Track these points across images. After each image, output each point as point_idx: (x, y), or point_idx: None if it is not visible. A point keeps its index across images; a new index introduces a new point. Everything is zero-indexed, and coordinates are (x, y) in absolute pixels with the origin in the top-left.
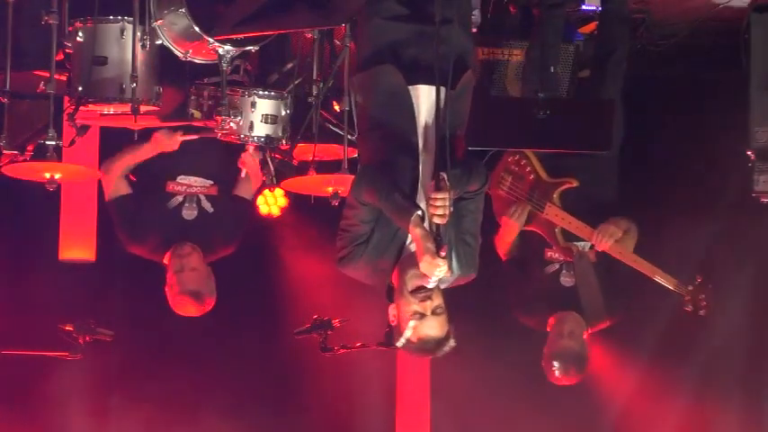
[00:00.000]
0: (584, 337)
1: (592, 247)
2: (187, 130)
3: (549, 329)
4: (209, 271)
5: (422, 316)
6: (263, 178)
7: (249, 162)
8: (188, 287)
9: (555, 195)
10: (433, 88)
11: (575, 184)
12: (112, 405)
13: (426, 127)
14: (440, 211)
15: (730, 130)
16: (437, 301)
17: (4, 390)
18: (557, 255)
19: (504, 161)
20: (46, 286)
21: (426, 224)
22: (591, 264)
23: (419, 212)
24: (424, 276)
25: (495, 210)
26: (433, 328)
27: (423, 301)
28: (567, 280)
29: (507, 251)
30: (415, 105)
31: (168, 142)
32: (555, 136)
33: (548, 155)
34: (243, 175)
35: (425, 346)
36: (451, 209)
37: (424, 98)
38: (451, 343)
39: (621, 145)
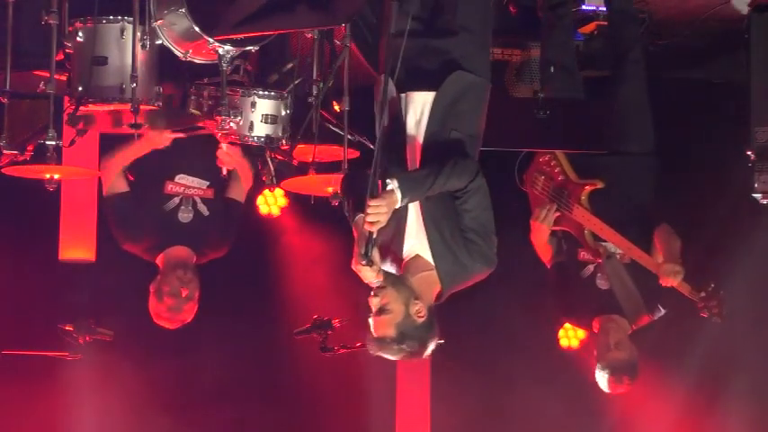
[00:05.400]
0: (630, 339)
1: None
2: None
3: (595, 332)
4: (199, 289)
5: (371, 312)
6: (257, 175)
7: (226, 159)
8: (182, 316)
9: (583, 197)
10: (422, 94)
11: (599, 185)
12: (112, 405)
13: (410, 134)
14: (370, 218)
15: (730, 129)
16: (383, 300)
17: (5, 390)
18: (588, 256)
19: (536, 161)
20: (46, 286)
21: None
22: (621, 263)
23: (361, 215)
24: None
25: (532, 210)
26: (373, 326)
27: (370, 297)
28: (602, 282)
29: (551, 257)
30: (403, 112)
31: (159, 139)
32: (555, 136)
33: (580, 155)
34: (224, 173)
35: (370, 344)
36: (386, 215)
37: (412, 104)
38: (394, 352)
39: (657, 146)
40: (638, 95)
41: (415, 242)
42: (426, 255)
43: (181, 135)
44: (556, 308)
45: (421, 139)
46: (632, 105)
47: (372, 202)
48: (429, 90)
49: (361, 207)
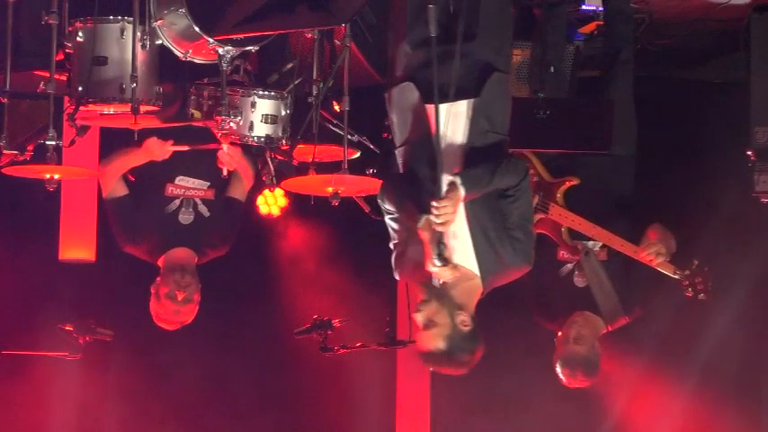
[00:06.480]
0: (596, 337)
1: (603, 246)
2: (179, 138)
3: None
4: (199, 291)
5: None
6: (257, 175)
7: (226, 160)
8: (181, 318)
9: (558, 195)
10: (457, 103)
11: (575, 182)
12: (112, 405)
13: (445, 141)
14: (440, 219)
15: (730, 129)
16: (427, 314)
17: (5, 390)
18: (567, 255)
19: None
20: (46, 286)
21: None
22: (599, 261)
23: (428, 216)
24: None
25: None
26: (422, 341)
27: (414, 313)
28: (579, 280)
29: None
30: (438, 121)
31: (159, 152)
32: (555, 136)
33: (552, 156)
34: (225, 174)
35: (422, 359)
36: (454, 214)
37: (446, 113)
38: (446, 365)
39: (637, 143)
40: (623, 96)
41: (454, 252)
42: (466, 263)
43: (184, 148)
44: (533, 311)
45: (459, 144)
46: (618, 106)
47: (439, 203)
48: (463, 98)
49: (424, 209)
